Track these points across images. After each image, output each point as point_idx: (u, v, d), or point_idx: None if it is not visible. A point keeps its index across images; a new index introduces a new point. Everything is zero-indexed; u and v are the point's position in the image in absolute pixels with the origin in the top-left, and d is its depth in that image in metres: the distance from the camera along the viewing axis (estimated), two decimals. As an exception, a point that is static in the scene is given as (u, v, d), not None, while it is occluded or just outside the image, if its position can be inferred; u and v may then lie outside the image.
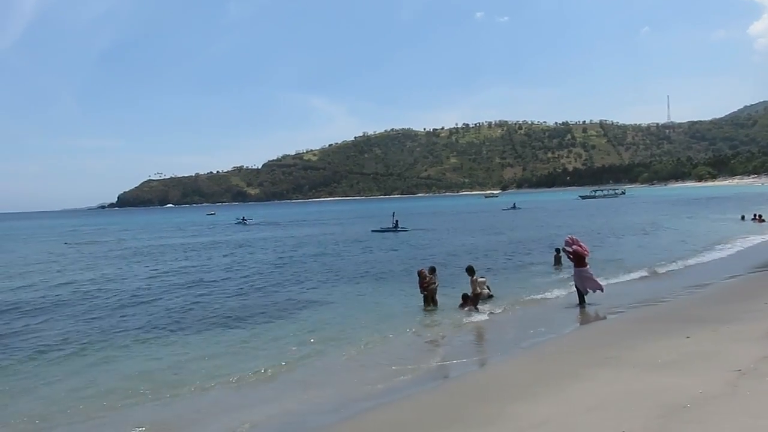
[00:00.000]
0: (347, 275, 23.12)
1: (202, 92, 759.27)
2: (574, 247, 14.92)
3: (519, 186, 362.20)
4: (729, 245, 26.35)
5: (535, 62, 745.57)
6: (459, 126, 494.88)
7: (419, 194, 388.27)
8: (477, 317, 13.91)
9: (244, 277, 24.31)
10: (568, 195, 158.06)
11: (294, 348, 11.56)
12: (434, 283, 15.54)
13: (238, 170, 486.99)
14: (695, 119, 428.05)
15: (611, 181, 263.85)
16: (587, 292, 14.89)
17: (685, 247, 26.70)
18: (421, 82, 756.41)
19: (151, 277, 25.42)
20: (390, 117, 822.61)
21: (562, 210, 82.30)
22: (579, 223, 51.06)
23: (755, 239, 28.39)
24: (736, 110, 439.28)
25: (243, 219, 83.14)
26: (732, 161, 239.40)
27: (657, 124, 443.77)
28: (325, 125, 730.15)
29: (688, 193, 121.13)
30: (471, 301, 14.83)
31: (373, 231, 51.25)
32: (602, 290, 14.95)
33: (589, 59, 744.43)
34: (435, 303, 15.37)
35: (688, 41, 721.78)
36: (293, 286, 20.83)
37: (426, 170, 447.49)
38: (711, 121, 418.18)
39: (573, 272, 15.04)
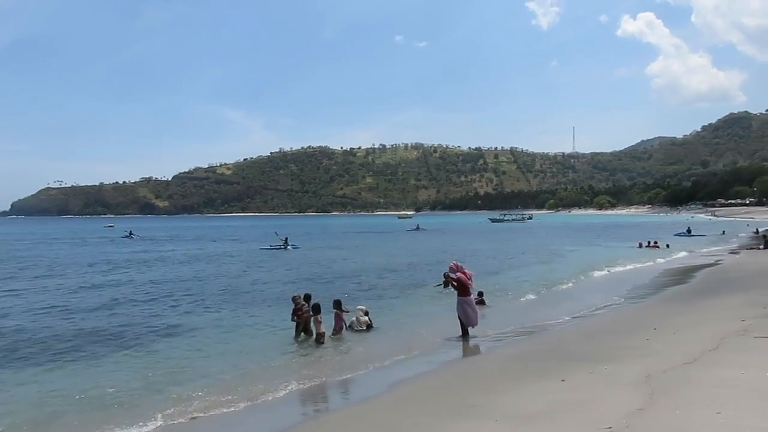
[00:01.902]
0: (220, 298, 21.03)
1: (109, 98, 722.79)
2: (458, 273, 13.85)
3: (433, 207, 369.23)
4: (622, 270, 26.53)
5: (451, 88, 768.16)
6: (376, 146, 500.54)
7: (334, 212, 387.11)
8: (344, 352, 12.56)
9: (108, 297, 21.75)
10: (479, 218, 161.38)
11: (111, 390, 9.62)
12: (308, 311, 14.04)
13: (147, 181, 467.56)
14: (598, 150, 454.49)
15: (519, 206, 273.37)
16: (470, 324, 13.85)
17: (580, 272, 26.55)
18: (340, 100, 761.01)
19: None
20: (307, 134, 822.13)
21: (470, 232, 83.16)
22: (483, 246, 51.09)
23: (648, 264, 28.89)
24: (634, 143, 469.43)
25: (130, 233, 78.78)
26: (630, 191, 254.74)
27: (563, 153, 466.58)
28: (241, 139, 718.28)
29: (590, 221, 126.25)
30: (317, 338, 13.55)
31: (261, 249, 49.22)
32: (474, 326, 13.94)
33: (502, 88, 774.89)
34: (310, 333, 13.87)
35: (593, 77, 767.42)
36: (157, 311, 18.58)
37: (342, 189, 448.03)
38: (612, 153, 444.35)
39: (456, 301, 13.97)
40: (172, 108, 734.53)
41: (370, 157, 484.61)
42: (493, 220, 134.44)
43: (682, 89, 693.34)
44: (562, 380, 8.74)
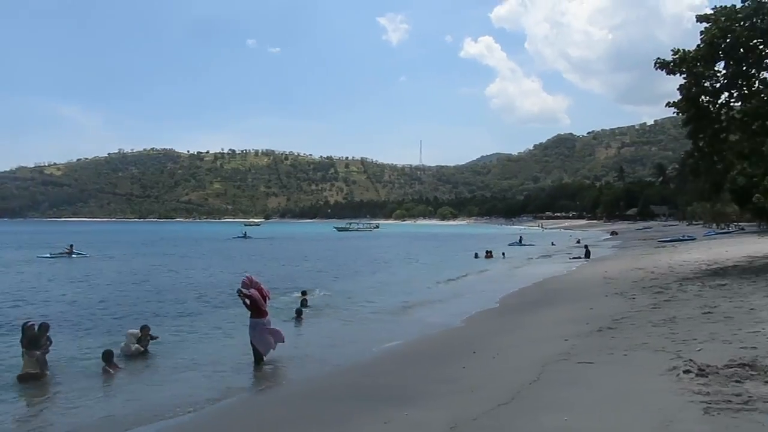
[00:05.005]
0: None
1: None
2: (252, 290, 11.40)
3: (283, 215, 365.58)
4: (459, 283, 25.68)
5: (304, 95, 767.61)
6: (225, 151, 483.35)
7: (178, 219, 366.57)
8: (73, 399, 9.51)
9: None
10: (326, 227, 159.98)
11: None
12: (47, 344, 10.88)
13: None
14: (442, 164, 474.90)
15: (368, 216, 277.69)
16: (267, 351, 11.45)
17: (414, 287, 25.16)
18: (188, 102, 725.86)
19: None
20: (151, 135, 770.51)
21: (307, 241, 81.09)
22: (315, 255, 49.14)
23: (487, 275, 28.87)
24: (475, 158, 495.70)
25: None
26: (470, 203, 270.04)
27: (411, 165, 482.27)
28: (75, 137, 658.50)
29: (433, 231, 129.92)
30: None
31: (39, 257, 43.04)
32: (282, 341, 11.69)
33: (354, 99, 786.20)
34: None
35: (439, 94, 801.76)
36: None
37: (187, 194, 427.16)
38: (455, 167, 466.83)
39: (248, 324, 11.50)
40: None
41: (218, 162, 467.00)
42: (339, 229, 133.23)
43: (516, 110, 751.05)
44: (349, 436, 6.61)
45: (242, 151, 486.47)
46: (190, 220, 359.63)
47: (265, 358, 11.41)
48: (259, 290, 11.51)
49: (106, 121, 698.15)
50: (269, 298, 11.93)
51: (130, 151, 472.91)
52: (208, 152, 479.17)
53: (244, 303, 11.45)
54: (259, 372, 10.99)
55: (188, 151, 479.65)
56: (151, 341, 12.45)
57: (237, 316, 15.09)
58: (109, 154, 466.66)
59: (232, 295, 16.09)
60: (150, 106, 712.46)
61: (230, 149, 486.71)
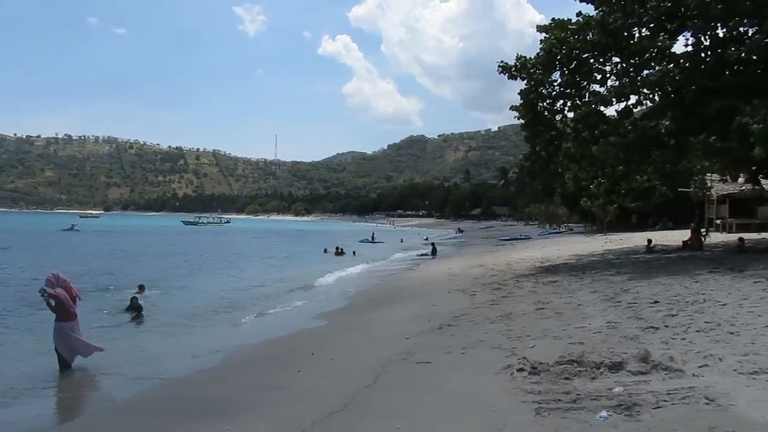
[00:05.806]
0: None
1: None
2: (59, 289, 9.88)
3: (125, 207, 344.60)
4: (309, 282, 24.89)
5: (152, 82, 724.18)
6: (60, 136, 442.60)
7: (1, 209, 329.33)
8: None
9: None
10: (174, 220, 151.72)
11: None
12: None
13: None
14: (298, 159, 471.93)
15: (220, 210, 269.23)
16: (74, 358, 10.00)
17: (261, 286, 23.89)
18: (16, 82, 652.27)
19: None
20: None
21: (146, 235, 76.07)
22: (157, 249, 46.11)
23: (338, 272, 28.49)
24: (331, 155, 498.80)
25: None
26: (324, 200, 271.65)
27: (265, 160, 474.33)
28: None
29: (286, 227, 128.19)
30: None
31: None
32: (101, 350, 10.32)
33: (207, 89, 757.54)
34: None
35: (295, 89, 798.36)
36: None
37: (13, 182, 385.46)
38: (310, 163, 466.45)
39: (53, 327, 9.97)
40: None
41: (52, 148, 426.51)
42: (187, 223, 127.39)
43: (372, 110, 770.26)
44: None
45: (80, 137, 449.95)
46: (16, 210, 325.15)
47: (72, 366, 9.96)
48: (68, 289, 10.01)
49: None
50: (79, 299, 10.42)
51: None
52: (39, 137, 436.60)
53: (49, 304, 9.88)
54: (65, 384, 9.53)
55: (15, 134, 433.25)
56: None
57: (45, 320, 13.21)
58: None
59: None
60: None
61: (66, 134, 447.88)
